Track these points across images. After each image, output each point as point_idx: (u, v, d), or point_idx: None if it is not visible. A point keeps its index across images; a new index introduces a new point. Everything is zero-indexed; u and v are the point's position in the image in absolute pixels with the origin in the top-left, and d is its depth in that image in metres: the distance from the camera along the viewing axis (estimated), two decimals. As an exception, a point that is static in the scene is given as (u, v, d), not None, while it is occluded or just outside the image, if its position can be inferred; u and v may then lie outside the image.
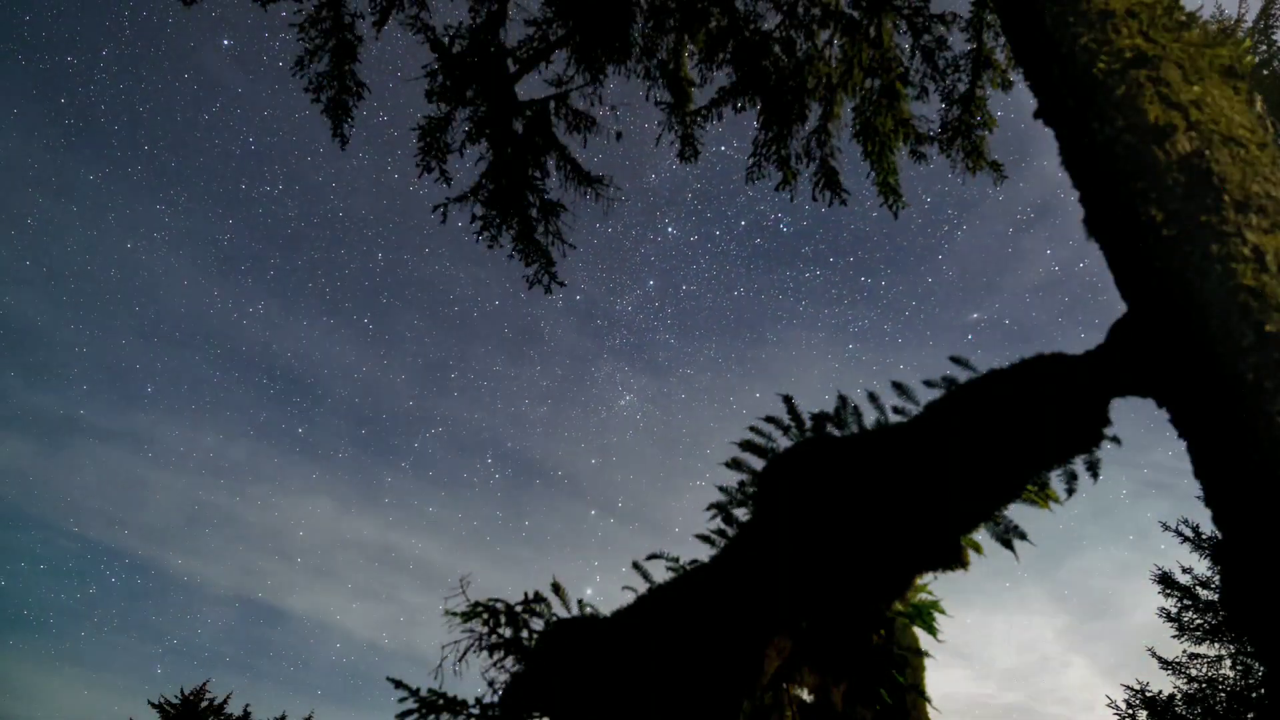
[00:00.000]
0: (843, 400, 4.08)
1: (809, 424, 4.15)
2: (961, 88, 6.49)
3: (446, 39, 6.09)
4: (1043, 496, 3.57)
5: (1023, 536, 3.66)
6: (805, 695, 3.79)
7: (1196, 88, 1.94)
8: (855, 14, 6.30)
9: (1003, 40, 6.27)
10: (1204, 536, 12.41)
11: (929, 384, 3.53)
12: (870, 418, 3.93)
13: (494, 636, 3.83)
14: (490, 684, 3.70)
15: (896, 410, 3.75)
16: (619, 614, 3.55)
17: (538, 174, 6.65)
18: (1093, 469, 3.24)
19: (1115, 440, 2.95)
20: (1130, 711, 12.48)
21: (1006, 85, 6.52)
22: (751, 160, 6.87)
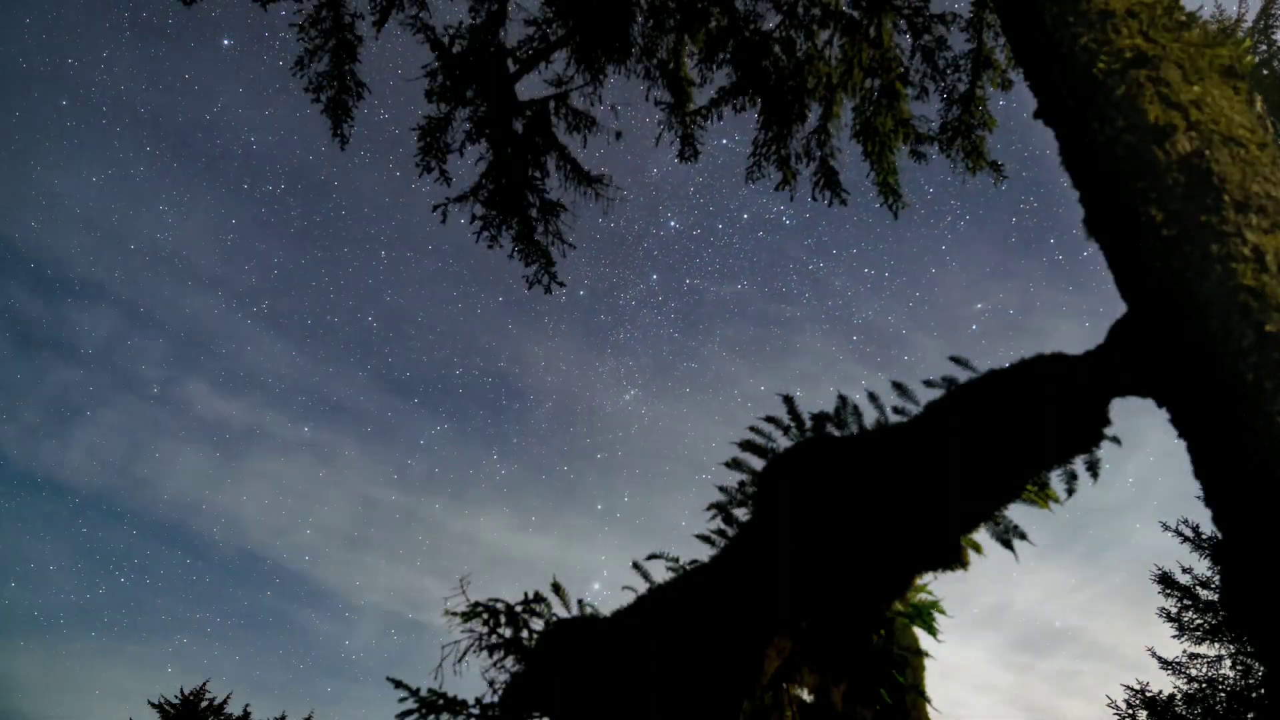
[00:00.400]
0: (843, 400, 4.08)
1: (809, 424, 4.15)
2: (961, 88, 6.49)
3: (446, 39, 6.09)
4: (1043, 496, 3.57)
5: (1023, 536, 3.66)
6: (805, 695, 3.79)
7: (1196, 88, 1.94)
8: (855, 14, 6.30)
9: (1003, 40, 6.27)
10: (1204, 536, 12.41)
11: (929, 384, 3.53)
12: (870, 418, 3.93)
13: (494, 636, 3.83)
14: (490, 684, 3.70)
15: (896, 410, 3.75)
16: (619, 614, 3.55)
17: (538, 174, 6.65)
18: (1093, 469, 3.24)
19: (1115, 440, 2.95)
20: (1130, 711, 12.48)
21: (1006, 85, 6.52)
22: (751, 160, 6.87)
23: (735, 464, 4.31)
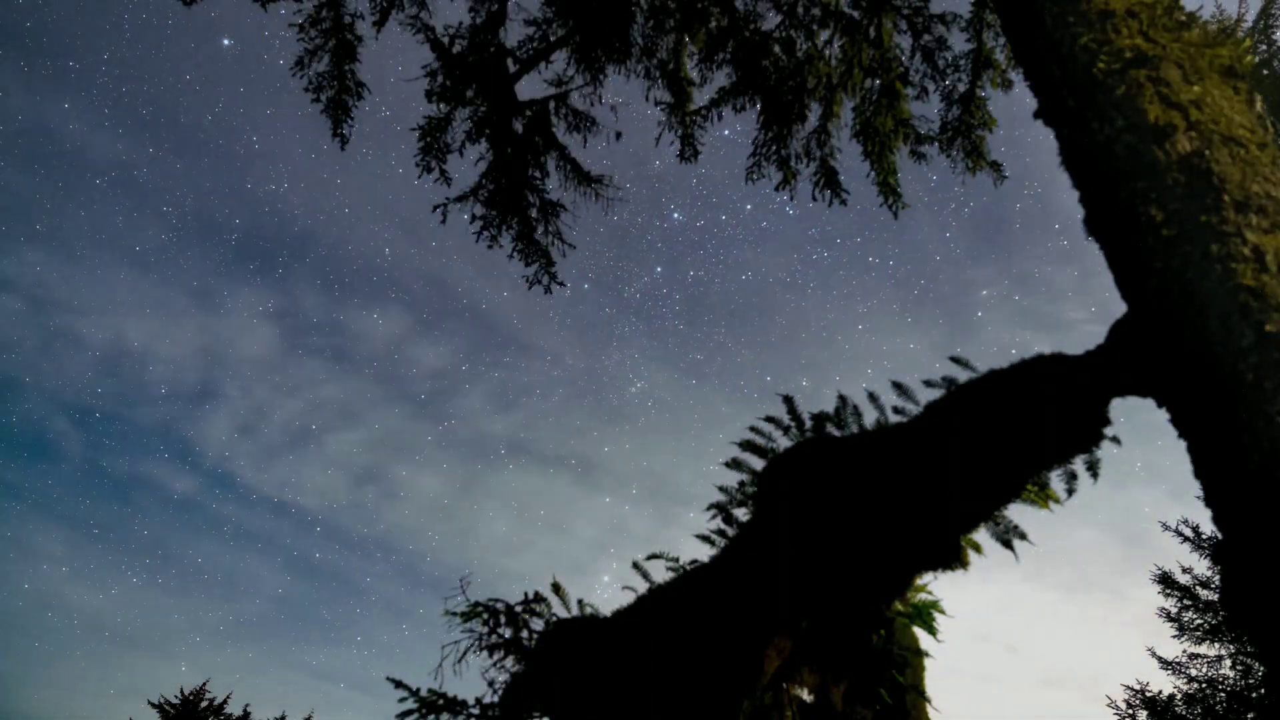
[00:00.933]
0: (843, 400, 4.08)
1: (809, 424, 4.15)
2: (961, 88, 6.49)
3: (446, 39, 6.09)
4: (1043, 496, 3.57)
5: (1023, 536, 3.66)
6: (805, 695, 3.79)
7: (1196, 88, 1.94)
8: (855, 14, 6.30)
9: (1003, 40, 6.27)
10: (1204, 536, 12.41)
11: (929, 384, 3.53)
12: (870, 417, 3.93)
13: (494, 636, 3.82)
14: (490, 684, 3.70)
15: (896, 410, 3.75)
16: (619, 614, 3.55)
17: (538, 174, 6.65)
18: (1093, 469, 3.24)
19: (1115, 440, 2.95)
20: (1130, 711, 12.48)
21: (1006, 85, 6.52)
22: (751, 160, 6.87)
23: (735, 464, 4.31)
